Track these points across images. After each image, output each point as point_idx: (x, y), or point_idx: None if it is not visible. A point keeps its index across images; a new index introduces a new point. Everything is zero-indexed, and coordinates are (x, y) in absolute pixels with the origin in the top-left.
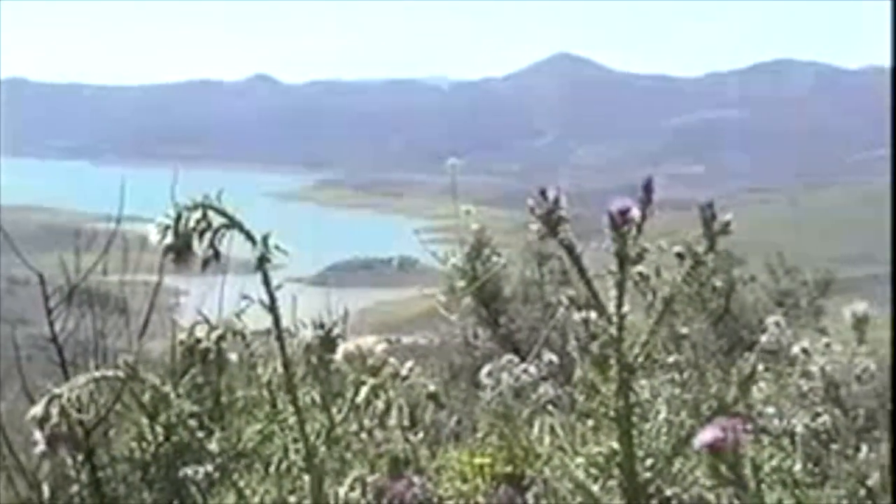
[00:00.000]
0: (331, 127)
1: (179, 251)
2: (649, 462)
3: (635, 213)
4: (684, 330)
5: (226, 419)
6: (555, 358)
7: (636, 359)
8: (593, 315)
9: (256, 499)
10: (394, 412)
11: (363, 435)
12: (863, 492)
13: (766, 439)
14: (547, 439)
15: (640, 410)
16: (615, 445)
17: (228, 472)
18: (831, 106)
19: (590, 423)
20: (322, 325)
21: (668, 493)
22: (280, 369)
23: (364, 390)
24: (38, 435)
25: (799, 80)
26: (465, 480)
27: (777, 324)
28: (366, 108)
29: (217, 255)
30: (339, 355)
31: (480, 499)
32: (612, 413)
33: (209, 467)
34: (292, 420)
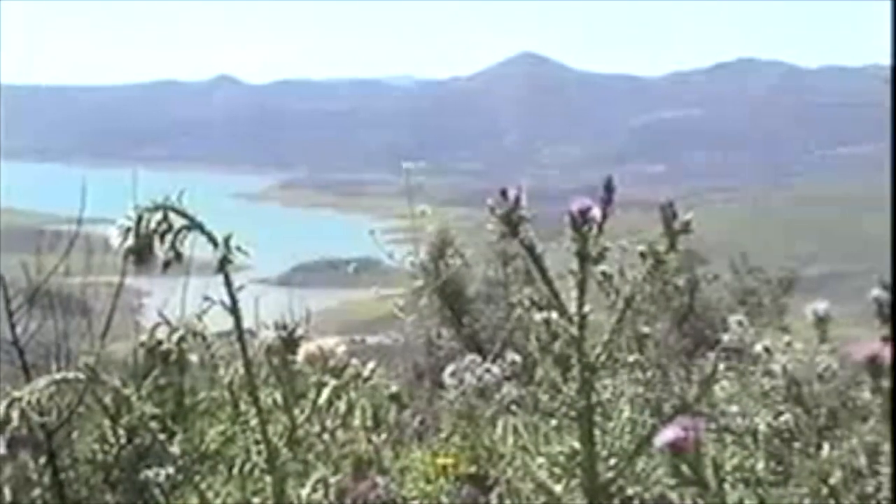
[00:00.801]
0: (295, 127)
1: (140, 253)
2: (611, 461)
3: (596, 212)
4: (647, 329)
5: (189, 421)
6: (518, 358)
7: (597, 358)
8: (555, 315)
9: (219, 501)
10: (357, 413)
11: (325, 436)
12: (825, 490)
13: (729, 438)
14: (510, 439)
15: (603, 410)
16: (576, 445)
17: (191, 474)
18: (793, 105)
19: (553, 422)
20: (285, 326)
21: (630, 492)
22: (242, 371)
23: (325, 391)
24: None
25: (761, 80)
26: (428, 481)
27: (739, 323)
28: (331, 108)
29: (178, 256)
30: (300, 357)
31: (444, 499)
32: (573, 413)
33: (170, 469)
34: (254, 422)
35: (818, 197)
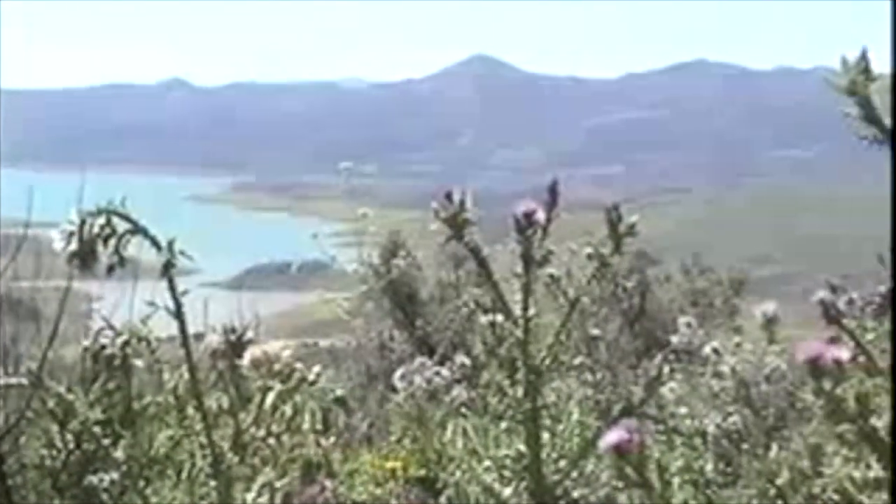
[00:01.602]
0: (248, 130)
1: (84, 257)
2: (558, 464)
3: (540, 215)
4: (597, 331)
5: (137, 425)
6: (467, 360)
7: (542, 361)
8: (500, 318)
9: None
10: (305, 416)
11: (272, 440)
12: (773, 491)
13: (677, 440)
14: (460, 442)
15: (550, 412)
16: (522, 448)
17: (136, 479)
18: (745, 106)
19: (502, 425)
20: (232, 330)
21: (577, 494)
22: (187, 375)
23: (271, 396)
24: None
25: (713, 81)
26: (377, 484)
27: (688, 324)
28: (283, 110)
29: (122, 260)
30: (245, 361)
31: (393, 502)
32: (519, 416)
33: (115, 475)
34: (199, 426)
35: (769, 198)
